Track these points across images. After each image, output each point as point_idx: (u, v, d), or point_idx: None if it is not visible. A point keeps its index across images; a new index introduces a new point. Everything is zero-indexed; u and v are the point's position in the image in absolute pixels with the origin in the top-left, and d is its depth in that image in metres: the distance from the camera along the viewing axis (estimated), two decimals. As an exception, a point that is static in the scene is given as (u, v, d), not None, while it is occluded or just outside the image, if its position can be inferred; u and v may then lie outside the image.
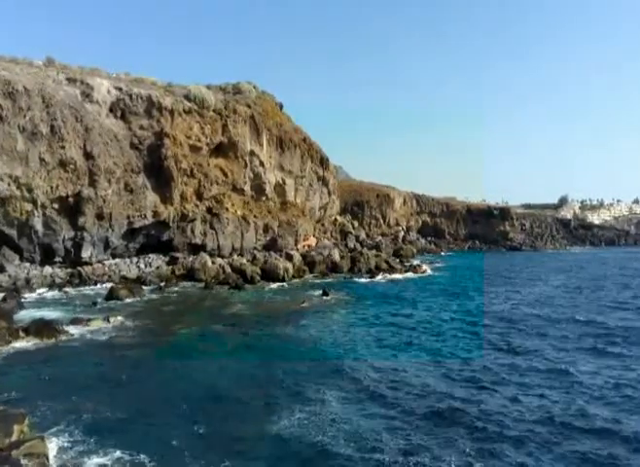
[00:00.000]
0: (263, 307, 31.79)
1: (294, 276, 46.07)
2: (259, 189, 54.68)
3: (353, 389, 16.37)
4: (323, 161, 65.95)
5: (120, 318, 25.19)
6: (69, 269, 38.66)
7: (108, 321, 24.12)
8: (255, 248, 50.96)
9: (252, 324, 26.24)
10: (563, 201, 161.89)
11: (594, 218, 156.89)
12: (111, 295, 31.96)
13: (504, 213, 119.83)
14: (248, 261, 47.02)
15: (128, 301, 31.64)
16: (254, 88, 60.33)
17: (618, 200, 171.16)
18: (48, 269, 37.93)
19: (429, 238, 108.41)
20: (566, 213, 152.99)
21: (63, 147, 39.34)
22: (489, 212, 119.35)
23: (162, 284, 38.83)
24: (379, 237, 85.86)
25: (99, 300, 31.27)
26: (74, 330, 22.16)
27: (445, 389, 16.53)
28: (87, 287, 36.68)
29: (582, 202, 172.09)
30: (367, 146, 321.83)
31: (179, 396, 15.41)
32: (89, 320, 23.49)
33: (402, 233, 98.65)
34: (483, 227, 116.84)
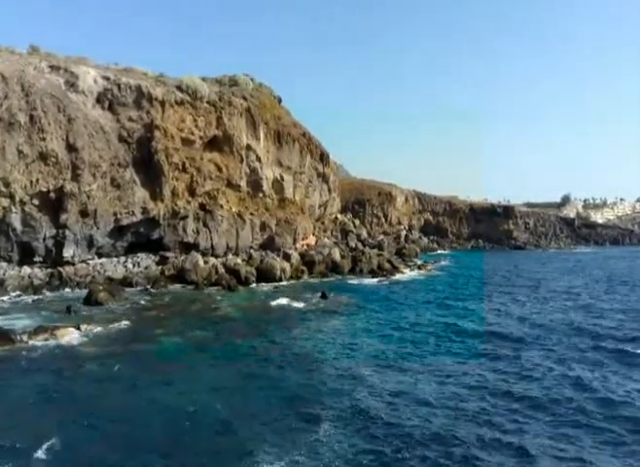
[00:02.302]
0: (254, 312, 29.15)
1: (291, 277, 43.52)
2: (255, 185, 51.88)
3: (353, 413, 13.73)
4: (323, 157, 62.97)
5: (93, 326, 22.38)
6: (49, 270, 35.99)
7: (79, 329, 21.31)
8: (251, 247, 48.24)
9: (240, 331, 23.59)
10: (566, 200, 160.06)
11: (598, 217, 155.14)
12: (89, 299, 29.13)
13: (507, 212, 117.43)
14: (243, 260, 44.38)
15: (109, 305, 28.87)
16: (251, 80, 57.61)
17: (621, 199, 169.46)
18: (26, 270, 35.23)
19: (431, 237, 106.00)
20: (569, 212, 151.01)
21: (44, 138, 36.64)
22: (493, 211, 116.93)
23: (149, 286, 36.16)
24: (381, 236, 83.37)
25: (77, 304, 28.45)
26: (35, 340, 19.30)
27: (454, 405, 14.00)
28: (67, 289, 33.97)
29: (585, 201, 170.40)
30: (367, 144, 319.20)
31: (141, 428, 12.61)
32: (56, 328, 20.58)
33: (404, 232, 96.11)
34: (487, 225, 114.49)
